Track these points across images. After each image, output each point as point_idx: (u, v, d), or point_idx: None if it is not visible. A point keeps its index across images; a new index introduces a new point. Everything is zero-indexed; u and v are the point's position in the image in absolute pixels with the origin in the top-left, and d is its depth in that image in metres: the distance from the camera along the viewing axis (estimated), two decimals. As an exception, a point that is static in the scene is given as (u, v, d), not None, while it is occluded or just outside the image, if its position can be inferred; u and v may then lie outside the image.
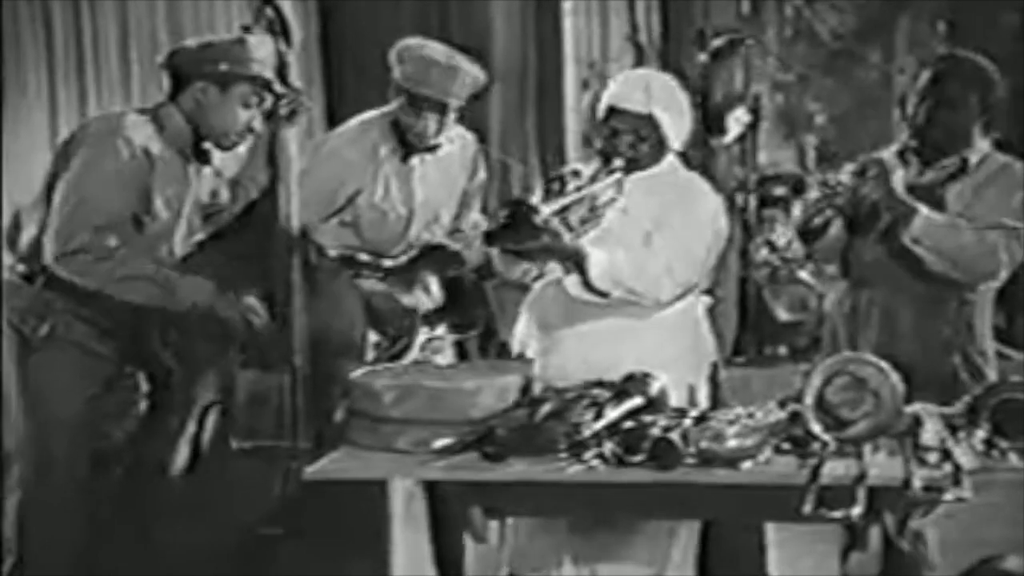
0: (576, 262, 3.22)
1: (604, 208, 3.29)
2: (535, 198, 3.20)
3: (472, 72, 3.90)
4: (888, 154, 3.46)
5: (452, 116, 3.92)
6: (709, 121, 6.10)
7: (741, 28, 6.21)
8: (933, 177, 3.39)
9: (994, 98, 3.40)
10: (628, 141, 3.31)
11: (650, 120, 3.31)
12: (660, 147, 3.35)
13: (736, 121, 6.09)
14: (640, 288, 3.26)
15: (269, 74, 3.41)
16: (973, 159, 3.38)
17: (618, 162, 3.31)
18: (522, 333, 3.51)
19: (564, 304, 3.36)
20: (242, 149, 3.60)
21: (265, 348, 3.40)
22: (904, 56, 6.46)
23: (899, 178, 3.32)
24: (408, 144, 3.96)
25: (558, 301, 3.38)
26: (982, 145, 3.40)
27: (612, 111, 3.34)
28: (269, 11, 3.44)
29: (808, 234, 3.35)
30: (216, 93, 3.39)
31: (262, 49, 3.41)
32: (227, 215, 3.58)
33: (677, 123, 3.36)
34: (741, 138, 6.11)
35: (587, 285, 3.24)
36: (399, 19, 5.71)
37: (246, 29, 3.45)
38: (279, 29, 3.45)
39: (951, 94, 3.36)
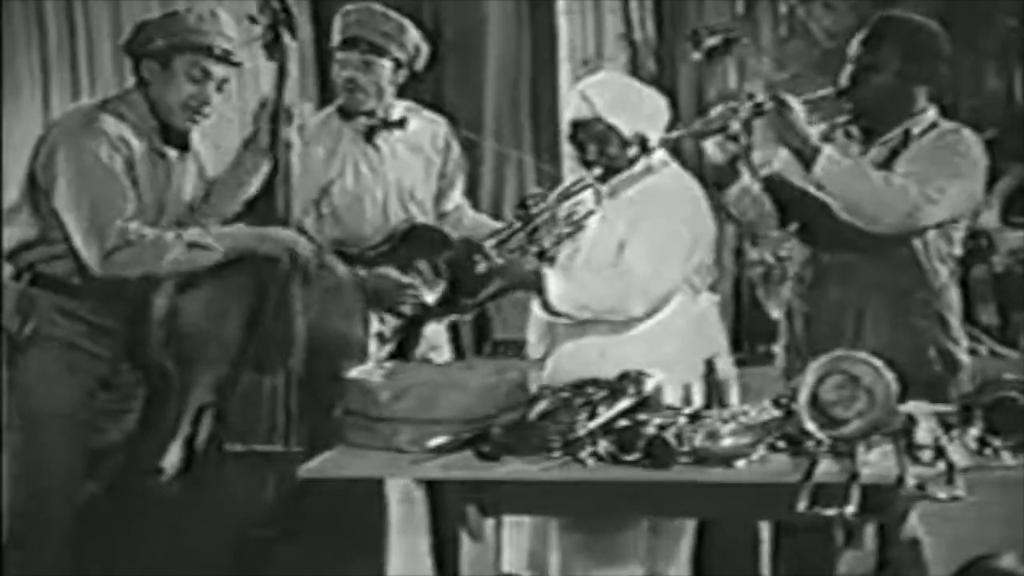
0: (536, 287, 3.27)
1: (584, 219, 3.38)
2: (486, 242, 3.33)
3: (407, 26, 3.84)
4: (825, 126, 3.36)
5: (388, 74, 3.84)
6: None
7: (735, 27, 6.21)
8: (876, 154, 3.29)
9: (936, 62, 3.29)
10: (593, 149, 3.37)
11: (600, 122, 3.35)
12: (628, 146, 3.37)
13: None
14: (607, 307, 3.30)
15: (214, 42, 3.36)
16: (915, 130, 3.28)
17: (596, 171, 3.38)
18: (531, 337, 3.53)
19: (545, 323, 3.40)
20: (233, 147, 3.59)
21: (310, 277, 3.39)
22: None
23: (799, 114, 3.20)
24: (353, 115, 3.88)
25: (540, 319, 3.42)
26: (929, 115, 3.30)
27: (572, 127, 3.41)
28: (274, 3, 3.44)
29: (720, 177, 3.28)
30: (160, 70, 3.38)
31: (207, 20, 3.37)
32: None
33: (629, 117, 3.37)
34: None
35: (548, 308, 3.29)
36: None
37: (252, 20, 3.44)
38: (284, 21, 3.44)
39: (877, 56, 3.26)
